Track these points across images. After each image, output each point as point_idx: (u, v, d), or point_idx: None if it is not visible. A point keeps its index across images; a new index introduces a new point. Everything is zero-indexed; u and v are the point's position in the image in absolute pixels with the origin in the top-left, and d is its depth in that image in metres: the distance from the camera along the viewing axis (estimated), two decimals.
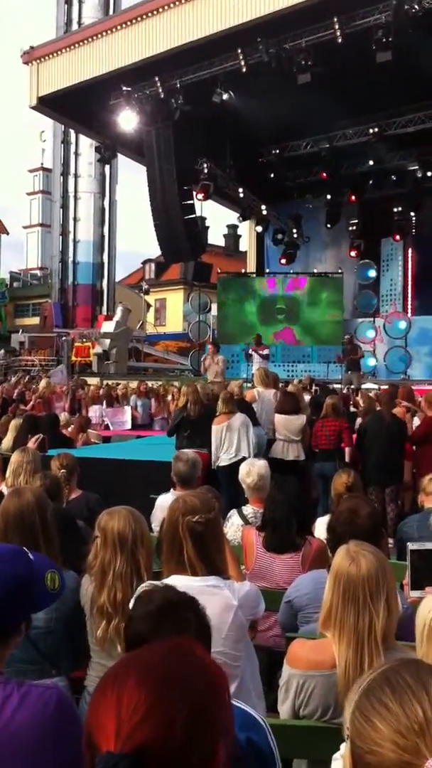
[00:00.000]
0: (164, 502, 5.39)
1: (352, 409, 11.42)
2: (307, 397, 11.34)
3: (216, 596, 2.77)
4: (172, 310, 46.04)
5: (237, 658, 2.78)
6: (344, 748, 1.30)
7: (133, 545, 2.87)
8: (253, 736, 1.82)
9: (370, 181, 24.26)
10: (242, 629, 2.85)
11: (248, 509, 5.29)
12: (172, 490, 5.68)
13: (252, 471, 5.33)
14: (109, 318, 31.00)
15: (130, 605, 2.03)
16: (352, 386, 15.94)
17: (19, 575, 1.86)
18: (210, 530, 2.87)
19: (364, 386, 16.63)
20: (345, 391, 15.05)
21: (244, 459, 7.26)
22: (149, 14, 19.30)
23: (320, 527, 4.91)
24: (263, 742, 1.83)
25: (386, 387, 12.51)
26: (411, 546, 3.14)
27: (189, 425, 9.07)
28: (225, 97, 18.45)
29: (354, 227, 25.96)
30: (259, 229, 28.57)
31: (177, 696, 1.04)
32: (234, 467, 7.04)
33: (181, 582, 2.67)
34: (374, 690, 1.04)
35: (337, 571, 2.45)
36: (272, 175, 24.66)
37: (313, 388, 13.89)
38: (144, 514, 3.15)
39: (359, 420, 10.01)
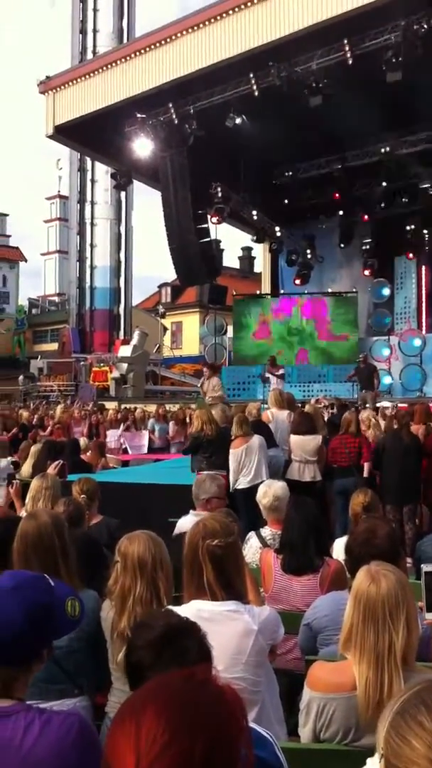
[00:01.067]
0: (184, 523, 5.40)
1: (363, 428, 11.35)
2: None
3: (236, 621, 2.78)
4: (189, 333, 46.16)
5: (257, 683, 2.78)
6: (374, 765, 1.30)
7: (153, 570, 2.87)
8: (260, 752, 1.82)
9: (383, 200, 24.34)
10: (262, 654, 2.85)
11: (266, 531, 5.28)
12: (191, 511, 5.68)
13: (268, 492, 5.33)
14: (126, 342, 31.12)
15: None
16: (367, 405, 15.88)
17: (42, 603, 1.88)
18: (230, 554, 2.88)
19: (379, 404, 16.57)
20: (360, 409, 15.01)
21: (262, 482, 7.26)
22: (162, 42, 19.55)
23: (338, 548, 4.90)
24: (272, 758, 1.83)
25: (403, 405, 12.47)
26: (425, 568, 3.13)
27: (208, 447, 9.03)
28: (238, 121, 18.63)
29: (367, 246, 26.00)
30: (274, 246, 28.64)
31: (196, 727, 1.03)
32: (253, 490, 7.03)
33: (202, 606, 2.68)
34: (409, 709, 1.06)
35: (358, 591, 2.45)
36: (285, 197, 24.79)
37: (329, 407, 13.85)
38: (163, 538, 3.16)
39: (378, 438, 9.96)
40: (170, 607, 2.57)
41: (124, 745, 1.02)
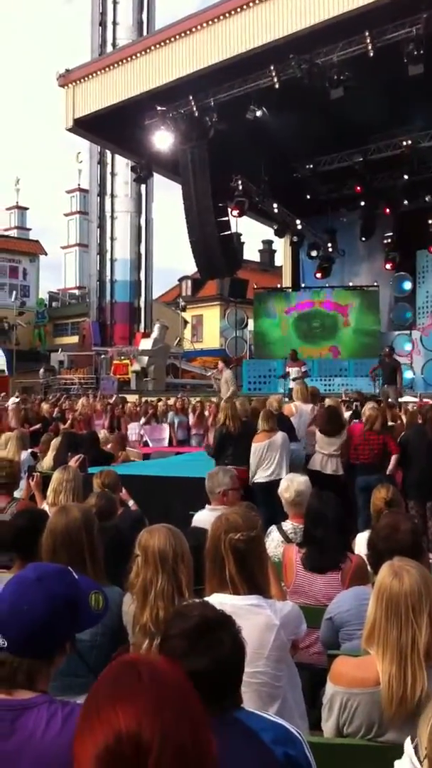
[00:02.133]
0: (201, 518, 5.40)
1: (389, 423, 11.28)
2: (347, 413, 11.25)
3: (258, 616, 2.77)
4: (209, 326, 46.16)
5: (278, 678, 2.77)
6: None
7: (174, 563, 2.87)
8: (290, 750, 1.82)
9: (404, 194, 24.20)
10: (284, 649, 2.84)
11: (288, 525, 5.27)
12: (207, 506, 5.68)
13: (291, 486, 5.31)
14: (146, 335, 31.17)
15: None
16: (390, 400, 15.79)
17: (65, 595, 1.89)
18: (252, 548, 2.87)
19: (401, 399, 16.48)
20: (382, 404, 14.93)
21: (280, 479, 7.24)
22: (182, 35, 19.50)
23: (361, 543, 4.88)
24: (301, 757, 1.83)
25: (427, 400, 12.38)
26: None
27: (231, 442, 9.02)
28: (258, 114, 18.55)
29: (389, 240, 25.89)
30: (295, 239, 28.57)
31: (178, 718, 1.02)
32: (271, 485, 7.02)
33: (224, 600, 2.68)
34: None
35: (380, 587, 2.45)
36: (306, 190, 24.69)
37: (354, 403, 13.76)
38: (184, 531, 3.16)
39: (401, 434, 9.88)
40: None
41: (105, 756, 0.97)
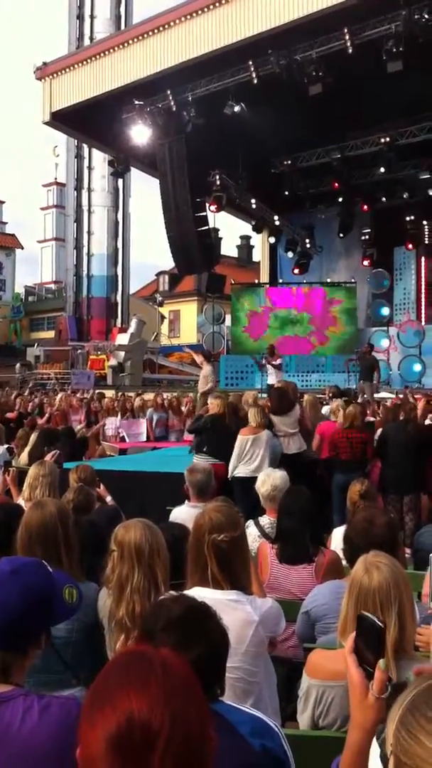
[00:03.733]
0: (179, 514, 5.40)
1: (369, 418, 11.33)
2: (325, 408, 11.26)
3: (237, 611, 2.77)
4: (186, 321, 46.11)
5: (254, 674, 2.78)
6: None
7: (150, 558, 2.87)
8: (268, 742, 1.82)
9: (382, 191, 24.31)
10: (261, 645, 2.85)
11: (265, 520, 5.29)
12: (186, 501, 5.68)
13: (267, 481, 5.33)
14: (123, 330, 31.09)
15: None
16: (365, 396, 15.87)
17: (39, 587, 1.88)
18: (235, 548, 2.87)
19: (377, 395, 16.57)
20: (360, 400, 15.00)
21: None
22: (160, 29, 19.43)
23: (337, 537, 4.90)
24: (278, 749, 1.84)
25: (402, 396, 12.46)
26: None
27: (214, 433, 9.01)
28: (237, 109, 18.54)
29: (367, 236, 26.01)
30: (272, 240, 28.64)
31: (186, 703, 1.05)
32: (251, 480, 7.02)
33: (203, 594, 2.68)
34: (419, 706, 1.04)
35: (353, 582, 2.46)
36: (284, 186, 24.72)
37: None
38: (159, 526, 3.15)
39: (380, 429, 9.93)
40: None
41: (118, 739, 0.99)
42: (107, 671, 1.13)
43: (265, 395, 12.59)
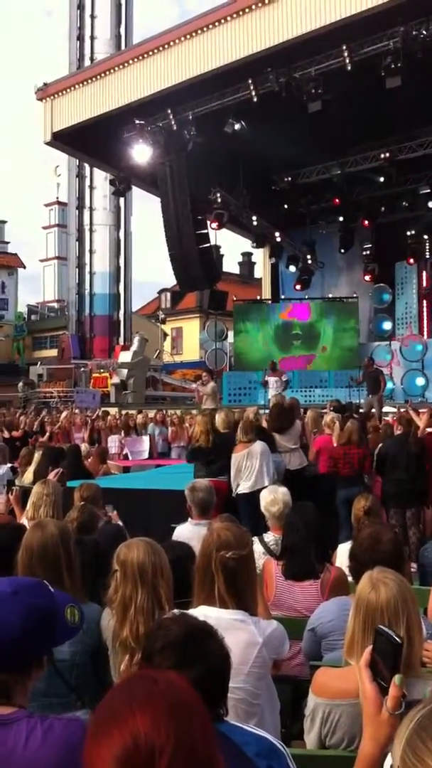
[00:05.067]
0: (183, 532, 5.38)
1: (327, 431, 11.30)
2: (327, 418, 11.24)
3: (242, 631, 2.76)
4: (189, 338, 46.14)
5: (257, 696, 2.76)
6: None
7: (153, 577, 2.85)
8: (274, 764, 1.80)
9: (383, 206, 24.40)
10: (265, 667, 2.83)
11: (269, 536, 5.27)
12: (189, 519, 5.67)
13: (277, 499, 5.32)
14: (126, 348, 31.10)
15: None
16: (373, 410, 15.85)
17: (41, 608, 1.87)
18: (243, 566, 2.86)
19: (384, 409, 16.54)
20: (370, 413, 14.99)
21: (263, 488, 7.23)
22: (160, 48, 19.56)
23: (342, 553, 4.88)
24: None
25: (404, 410, 12.42)
26: None
27: (206, 455, 9.03)
28: (237, 127, 18.63)
29: (368, 252, 26.07)
30: (273, 260, 28.76)
31: (191, 722, 1.05)
32: (254, 495, 7.01)
33: (208, 613, 2.66)
34: (426, 727, 1.03)
35: (359, 598, 2.44)
36: (285, 203, 24.81)
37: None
38: (163, 544, 3.13)
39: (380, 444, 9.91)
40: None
41: (123, 757, 1.00)
42: (113, 692, 1.14)
43: (266, 411, 12.59)
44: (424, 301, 26.43)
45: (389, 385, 22.91)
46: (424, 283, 26.36)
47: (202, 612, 2.68)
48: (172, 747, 0.99)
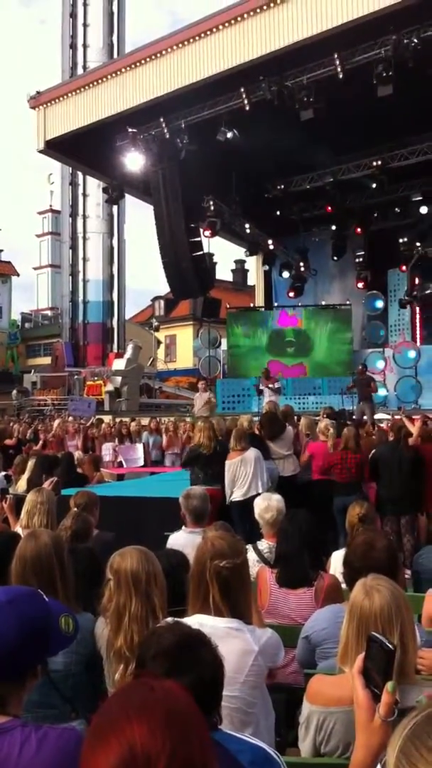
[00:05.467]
0: (177, 540, 5.38)
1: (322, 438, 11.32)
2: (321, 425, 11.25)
3: (237, 639, 2.76)
4: (183, 346, 46.18)
5: (252, 705, 2.75)
6: None
7: (147, 586, 2.84)
8: None
9: (375, 213, 24.49)
10: (260, 676, 2.83)
11: (263, 544, 5.27)
12: (183, 527, 5.66)
13: (271, 506, 5.32)
14: (119, 355, 31.12)
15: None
16: (365, 417, 15.87)
17: (35, 617, 1.87)
18: (237, 575, 2.86)
19: (376, 416, 16.56)
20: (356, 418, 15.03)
21: (257, 495, 7.22)
22: (152, 57, 19.61)
23: (336, 560, 4.88)
24: None
25: (398, 417, 12.44)
26: None
27: (205, 461, 9.03)
28: (229, 135, 18.67)
29: (360, 259, 26.09)
30: (266, 267, 28.82)
31: (187, 731, 1.05)
32: (247, 503, 7.00)
33: (204, 621, 2.66)
34: (419, 735, 1.03)
35: (352, 605, 2.44)
36: (278, 210, 24.87)
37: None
38: (157, 552, 3.13)
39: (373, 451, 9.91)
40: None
41: (119, 765, 0.99)
42: (110, 700, 1.14)
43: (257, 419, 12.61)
44: (417, 308, 26.49)
45: (382, 392, 22.95)
46: (417, 290, 26.43)
47: (197, 620, 2.68)
48: (168, 755, 0.99)
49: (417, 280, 26.01)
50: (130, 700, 1.10)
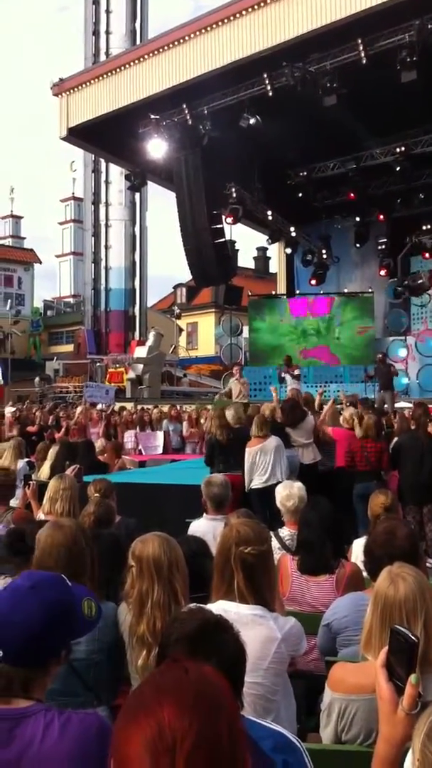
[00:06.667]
0: (198, 527, 5.40)
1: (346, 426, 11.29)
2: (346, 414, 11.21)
3: (261, 626, 2.76)
4: (204, 333, 46.17)
5: (275, 692, 2.76)
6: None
7: (169, 572, 2.86)
8: (290, 758, 1.80)
9: (398, 200, 24.28)
10: (283, 664, 2.83)
11: (285, 531, 5.27)
12: (204, 514, 5.68)
13: (292, 494, 5.32)
14: (141, 343, 31.17)
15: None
16: (386, 406, 15.81)
17: (60, 602, 1.88)
18: (262, 562, 2.86)
19: (397, 405, 16.49)
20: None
21: (277, 483, 7.21)
22: (174, 43, 19.53)
23: (357, 548, 4.87)
24: (300, 764, 1.82)
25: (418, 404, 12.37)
26: None
27: (221, 449, 9.06)
28: (252, 121, 18.57)
29: (383, 246, 25.92)
30: (288, 251, 28.66)
31: (216, 714, 1.05)
32: (268, 491, 7.01)
33: (228, 608, 2.67)
34: None
35: (377, 593, 2.44)
36: (300, 197, 24.73)
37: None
38: (178, 539, 3.14)
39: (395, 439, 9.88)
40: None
41: (148, 744, 1.01)
42: (145, 681, 1.16)
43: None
44: None
45: (405, 380, 22.84)
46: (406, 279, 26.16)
47: (221, 607, 2.69)
48: (195, 736, 1.00)
49: (384, 272, 25.67)
50: (164, 681, 1.11)
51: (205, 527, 5.26)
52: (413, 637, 1.59)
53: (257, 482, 8.49)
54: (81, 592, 2.03)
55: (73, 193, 56.49)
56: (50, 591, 1.89)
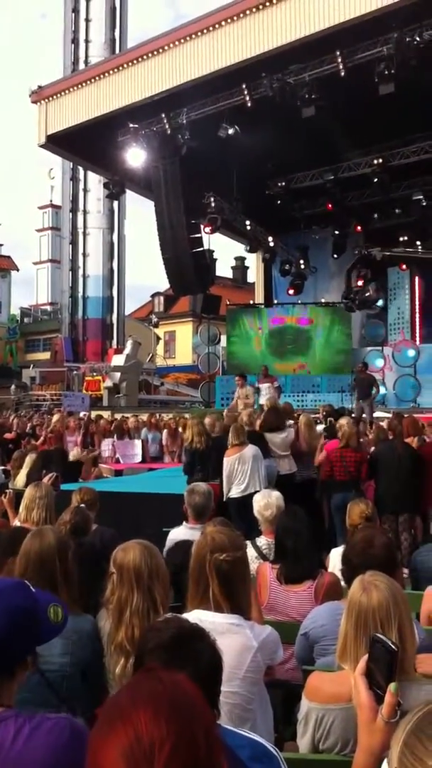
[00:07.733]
0: (177, 536, 5.38)
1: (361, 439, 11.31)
2: (320, 427, 11.24)
3: (237, 635, 2.76)
4: (182, 342, 46.18)
5: (251, 701, 2.76)
6: None
7: (149, 580, 2.85)
8: (267, 767, 1.80)
9: (375, 212, 24.45)
10: (259, 672, 2.83)
11: (262, 540, 5.27)
12: (184, 523, 5.66)
13: (270, 503, 5.33)
14: (119, 351, 31.11)
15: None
16: (364, 416, 15.86)
17: (21, 607, 1.88)
18: (237, 569, 2.85)
19: (375, 414, 16.56)
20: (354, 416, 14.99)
21: (255, 492, 7.21)
22: (154, 53, 19.57)
23: (335, 557, 4.88)
24: None
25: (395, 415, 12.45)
26: None
27: (198, 458, 9.04)
28: (231, 131, 18.62)
29: (358, 256, 26.06)
30: (267, 256, 28.74)
31: (193, 722, 1.05)
32: (245, 500, 7.00)
33: (203, 617, 2.66)
34: (424, 728, 1.04)
35: (351, 602, 2.45)
36: (278, 207, 24.84)
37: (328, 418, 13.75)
38: (157, 547, 3.13)
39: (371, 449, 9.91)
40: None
41: (125, 752, 1.01)
42: (121, 689, 1.16)
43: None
44: (417, 307, 26.50)
45: (381, 390, 22.95)
46: (417, 289, 26.45)
47: (197, 616, 2.68)
48: (172, 742, 1.00)
49: (361, 282, 25.86)
50: (139, 689, 1.11)
51: (184, 536, 5.25)
52: (393, 646, 1.60)
53: (235, 491, 8.45)
54: (46, 598, 2.04)
55: (51, 201, 56.25)
56: (13, 596, 1.90)
